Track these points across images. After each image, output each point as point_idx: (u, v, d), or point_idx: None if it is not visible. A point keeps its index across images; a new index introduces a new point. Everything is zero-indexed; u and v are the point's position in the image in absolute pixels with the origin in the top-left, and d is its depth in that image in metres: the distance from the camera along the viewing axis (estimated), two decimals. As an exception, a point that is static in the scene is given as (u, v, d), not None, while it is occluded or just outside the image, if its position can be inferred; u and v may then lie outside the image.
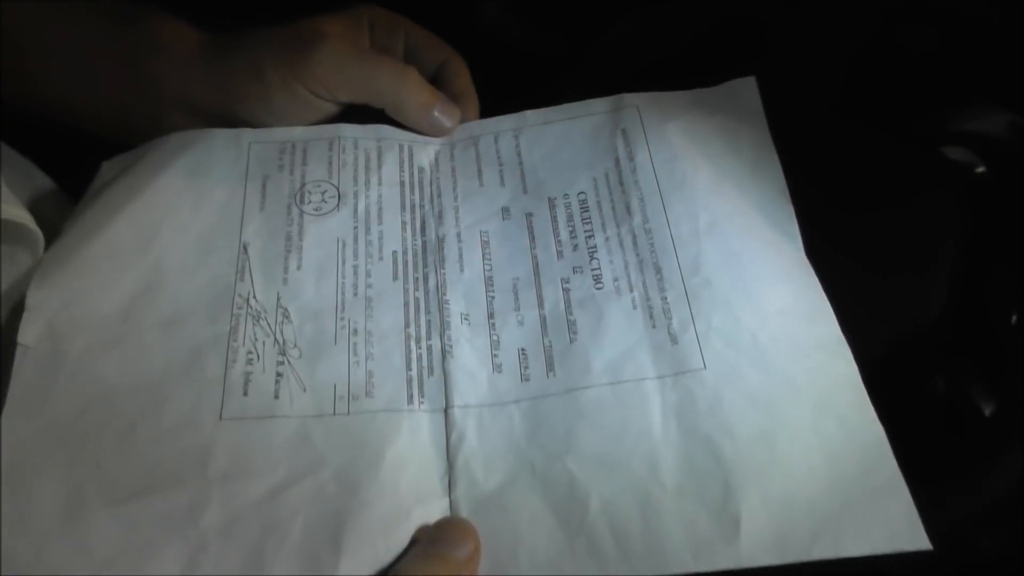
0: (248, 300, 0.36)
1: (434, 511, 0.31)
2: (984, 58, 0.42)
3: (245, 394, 0.33)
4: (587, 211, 0.39)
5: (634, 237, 0.37)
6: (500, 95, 0.44)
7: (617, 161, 0.40)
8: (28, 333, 0.33)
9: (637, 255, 0.37)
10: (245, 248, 0.37)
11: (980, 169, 0.40)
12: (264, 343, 0.35)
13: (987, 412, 0.36)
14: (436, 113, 0.41)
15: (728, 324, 0.34)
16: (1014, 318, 0.36)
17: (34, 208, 0.34)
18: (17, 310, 0.34)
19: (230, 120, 0.41)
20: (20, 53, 0.40)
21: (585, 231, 0.38)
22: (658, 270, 0.36)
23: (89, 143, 0.42)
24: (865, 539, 0.28)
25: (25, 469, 0.30)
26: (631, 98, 0.41)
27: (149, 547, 0.29)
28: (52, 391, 0.32)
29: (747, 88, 0.41)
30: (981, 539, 0.35)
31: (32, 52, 0.41)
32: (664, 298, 0.35)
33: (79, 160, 0.41)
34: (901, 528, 0.28)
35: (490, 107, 0.43)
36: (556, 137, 0.41)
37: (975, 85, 0.42)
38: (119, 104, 0.41)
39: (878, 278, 0.37)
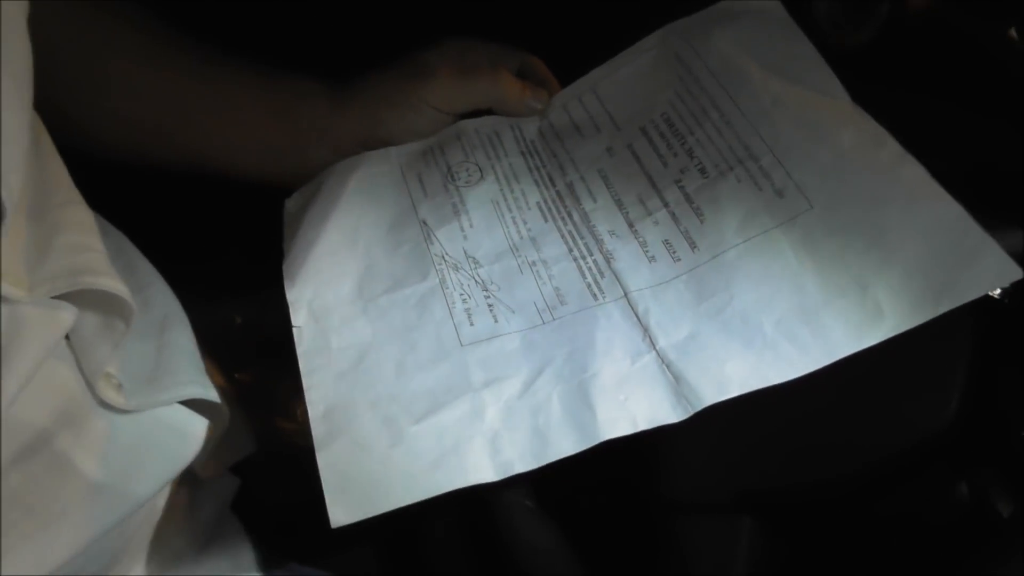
0: (443, 257, 0.45)
1: (647, 362, 0.39)
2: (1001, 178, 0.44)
3: (472, 324, 0.42)
4: (672, 124, 0.46)
5: (718, 130, 0.45)
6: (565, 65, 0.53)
7: (680, 78, 0.47)
8: (298, 318, 0.43)
9: (726, 142, 0.44)
10: (424, 223, 0.47)
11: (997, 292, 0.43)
12: (469, 285, 0.44)
13: (1006, 515, 0.39)
14: (529, 100, 0.51)
15: (816, 169, 0.41)
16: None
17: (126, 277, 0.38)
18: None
19: (370, 145, 0.51)
20: (183, 111, 0.49)
21: (678, 139, 0.46)
22: (746, 147, 0.43)
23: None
24: (977, 285, 0.35)
25: (338, 410, 0.39)
26: (671, 27, 0.50)
27: (459, 445, 0.38)
28: (329, 353, 0.42)
29: None
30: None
31: (189, 117, 0.49)
32: (760, 167, 0.42)
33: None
34: (1000, 270, 0.35)
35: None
36: (626, 80, 0.50)
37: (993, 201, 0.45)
38: (272, 147, 0.51)
39: (892, 388, 0.40)
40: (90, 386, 0.35)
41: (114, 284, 0.34)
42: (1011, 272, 0.35)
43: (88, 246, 0.35)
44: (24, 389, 0.31)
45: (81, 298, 0.34)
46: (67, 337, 0.35)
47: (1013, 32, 0.47)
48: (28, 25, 0.33)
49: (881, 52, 0.52)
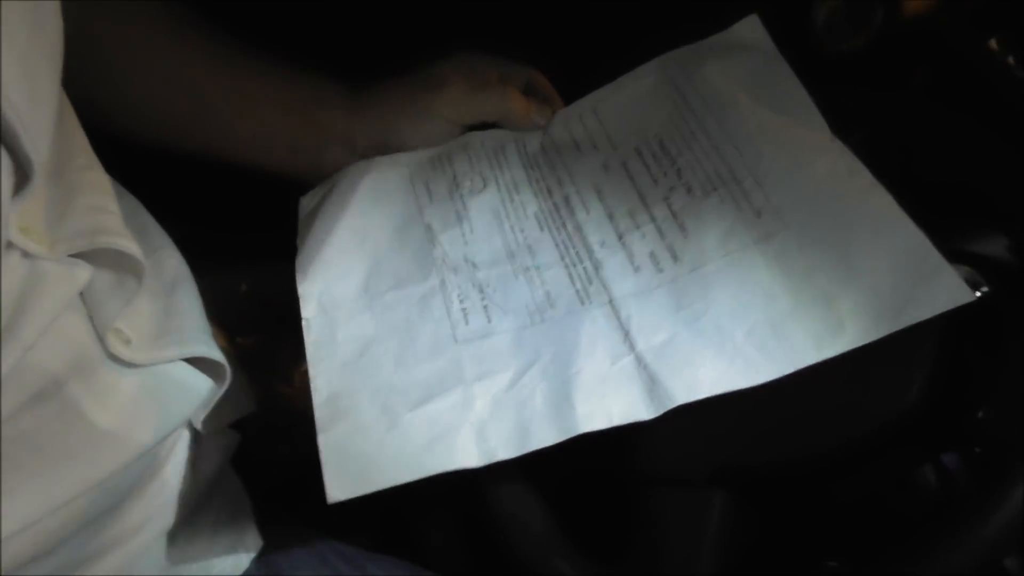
0: (444, 259, 0.48)
1: (626, 363, 0.42)
2: (989, 186, 0.46)
3: (467, 323, 0.45)
4: (664, 146, 0.49)
5: (706, 153, 0.47)
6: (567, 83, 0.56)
7: (675, 104, 0.50)
8: (307, 310, 0.46)
9: (712, 165, 0.47)
10: (429, 227, 0.50)
11: (984, 289, 0.45)
12: (466, 287, 0.47)
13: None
14: (533, 115, 0.53)
15: (793, 193, 0.44)
16: (980, 413, 0.41)
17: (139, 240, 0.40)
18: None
19: (382, 149, 0.53)
20: (206, 103, 0.52)
21: (669, 160, 0.49)
22: (731, 170, 0.46)
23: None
24: (931, 305, 0.38)
25: (341, 397, 0.43)
26: (668, 56, 0.53)
27: (449, 432, 0.41)
28: (335, 344, 0.45)
29: (753, 24, 0.51)
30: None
31: (212, 107, 0.52)
32: (742, 189, 0.45)
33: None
34: (953, 292, 0.38)
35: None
36: (624, 102, 0.53)
37: (977, 206, 0.47)
38: (290, 144, 0.53)
39: (862, 368, 0.42)
40: (100, 339, 0.38)
41: (128, 244, 0.37)
42: (964, 295, 0.37)
43: (105, 208, 0.38)
44: (40, 338, 0.34)
45: (96, 256, 0.36)
46: (81, 293, 0.37)
47: (993, 43, 0.49)
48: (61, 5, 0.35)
49: (876, 57, 0.54)
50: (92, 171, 0.39)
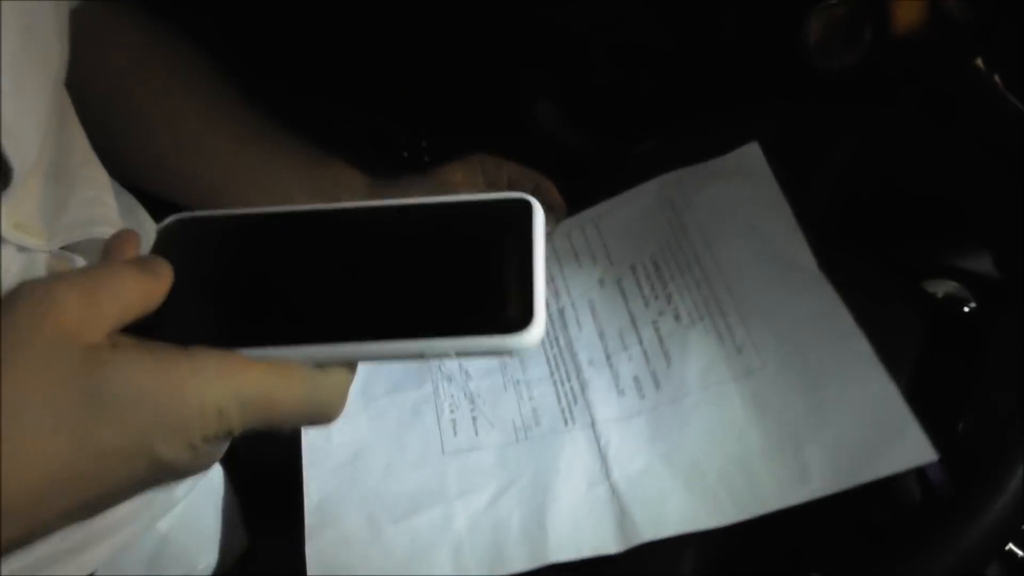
0: (440, 367, 0.49)
1: (601, 491, 0.43)
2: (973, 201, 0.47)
3: (455, 434, 0.47)
4: (659, 268, 0.50)
5: (696, 282, 0.48)
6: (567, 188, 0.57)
7: (671, 226, 0.51)
8: None
9: (701, 294, 0.48)
10: None
11: (971, 305, 0.46)
12: (458, 396, 0.48)
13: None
14: None
15: (774, 332, 0.45)
16: (960, 425, 0.42)
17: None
18: None
19: None
20: (226, 176, 0.52)
21: (661, 283, 0.50)
22: (717, 302, 0.47)
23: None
24: (895, 462, 0.39)
25: (332, 503, 0.44)
26: (670, 176, 0.54)
27: (428, 548, 0.43)
28: (330, 446, 0.46)
29: (753, 151, 0.52)
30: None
31: (237, 178, 0.52)
32: (726, 323, 0.46)
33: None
34: (918, 451, 0.39)
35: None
36: (624, 219, 0.54)
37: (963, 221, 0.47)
38: None
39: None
40: None
41: None
42: (927, 454, 0.39)
43: (101, 201, 0.39)
44: None
45: (93, 249, 0.37)
46: None
47: (979, 62, 0.50)
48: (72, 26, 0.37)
49: (866, 73, 0.55)
50: (90, 167, 0.40)
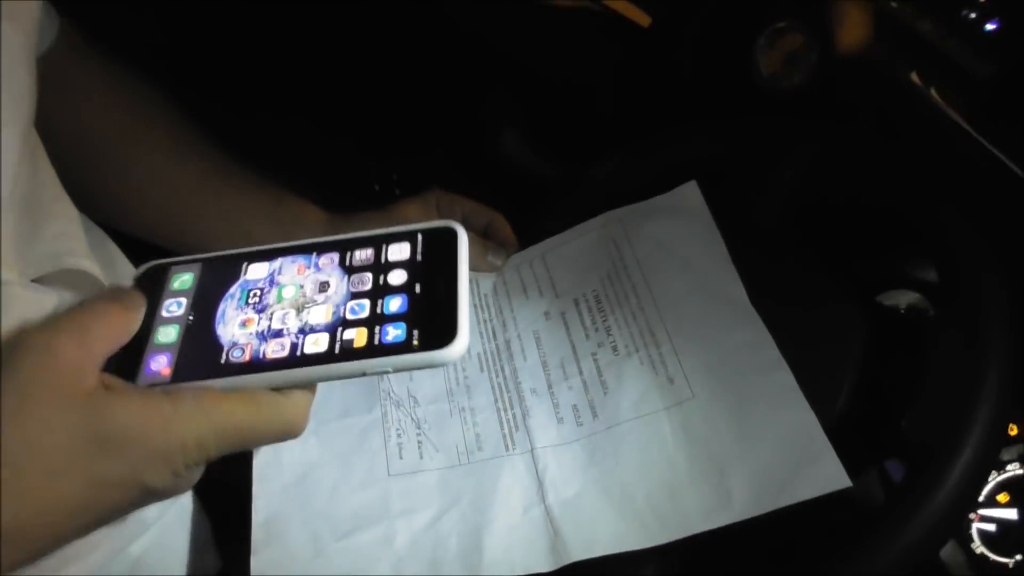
0: (389, 393, 0.51)
1: (536, 514, 0.45)
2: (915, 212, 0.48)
3: (401, 457, 0.49)
4: (600, 302, 0.53)
5: (633, 315, 0.51)
6: (515, 213, 0.59)
7: (612, 262, 0.54)
8: None
9: (637, 326, 0.50)
10: None
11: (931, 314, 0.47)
12: (405, 422, 0.50)
13: None
14: (490, 258, 0.56)
15: (703, 363, 0.47)
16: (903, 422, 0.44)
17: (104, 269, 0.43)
18: None
19: None
20: (198, 210, 0.54)
21: (601, 316, 0.52)
22: (652, 334, 0.49)
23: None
24: (811, 487, 0.41)
25: (277, 520, 0.46)
26: (613, 214, 0.56)
27: (369, 566, 0.45)
28: (280, 466, 0.48)
29: (691, 190, 0.54)
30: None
31: (202, 215, 0.54)
32: (660, 353, 0.48)
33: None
34: (832, 476, 0.41)
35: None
36: (570, 254, 0.56)
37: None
38: None
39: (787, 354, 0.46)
40: None
41: (90, 265, 0.40)
42: (841, 479, 0.41)
43: (71, 234, 0.41)
44: None
45: (63, 280, 0.39)
46: None
47: (914, 76, 0.52)
48: (35, 61, 0.38)
49: (814, 92, 0.57)
50: (60, 202, 0.42)
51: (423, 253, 0.35)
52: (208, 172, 0.54)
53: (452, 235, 0.35)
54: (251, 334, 0.34)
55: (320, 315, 0.34)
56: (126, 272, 0.48)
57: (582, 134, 0.69)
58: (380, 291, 0.34)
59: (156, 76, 0.53)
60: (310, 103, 0.70)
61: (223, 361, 0.34)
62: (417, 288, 0.34)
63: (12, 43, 0.37)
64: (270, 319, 0.34)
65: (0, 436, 0.29)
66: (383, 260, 0.36)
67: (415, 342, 0.33)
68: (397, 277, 0.35)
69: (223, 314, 0.35)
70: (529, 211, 0.59)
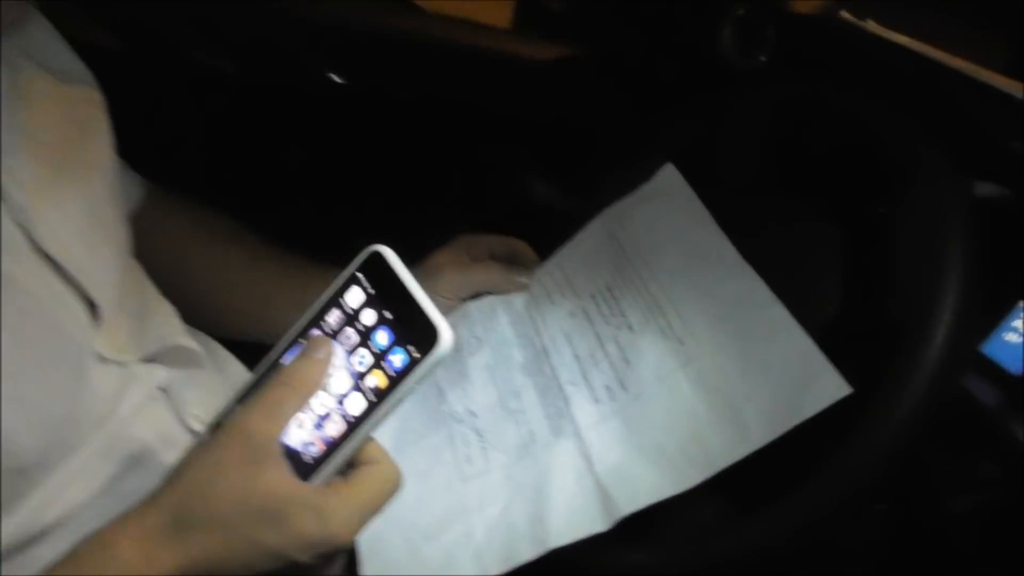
0: (451, 413, 0.60)
1: (588, 484, 0.51)
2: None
3: (470, 464, 0.57)
4: (612, 291, 0.60)
5: (639, 292, 0.57)
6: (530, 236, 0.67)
7: (615, 253, 0.61)
8: None
9: (644, 302, 0.57)
10: (439, 387, 0.62)
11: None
12: (468, 434, 0.58)
13: None
14: (518, 279, 0.64)
15: (706, 320, 0.53)
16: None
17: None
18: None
19: None
20: (273, 305, 0.63)
21: (616, 303, 0.59)
22: (659, 306, 0.56)
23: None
24: (818, 401, 0.45)
25: (378, 532, 0.51)
26: (607, 212, 0.64)
27: (455, 559, 0.53)
28: None
29: (670, 171, 0.61)
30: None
31: (276, 308, 0.62)
32: (668, 321, 0.54)
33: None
34: (834, 388, 0.45)
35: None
36: (580, 256, 0.64)
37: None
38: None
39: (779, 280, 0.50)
40: (182, 420, 0.50)
41: (189, 341, 0.52)
42: (843, 389, 0.45)
43: (170, 323, 0.53)
44: (136, 418, 0.47)
45: (170, 358, 0.50)
46: (167, 391, 0.50)
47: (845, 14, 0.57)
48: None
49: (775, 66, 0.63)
50: (161, 304, 0.54)
51: (371, 285, 0.40)
52: (271, 268, 0.64)
53: (379, 256, 0.39)
54: (310, 428, 0.40)
55: (342, 383, 0.40)
56: (222, 355, 0.59)
57: (592, 166, 0.76)
58: (365, 336, 0.39)
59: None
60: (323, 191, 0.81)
61: (311, 461, 0.40)
62: (387, 314, 0.39)
63: (95, 185, 0.49)
64: (312, 408, 0.40)
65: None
66: (349, 311, 0.40)
67: (415, 354, 0.38)
68: (369, 317, 0.40)
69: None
70: (546, 233, 0.67)
